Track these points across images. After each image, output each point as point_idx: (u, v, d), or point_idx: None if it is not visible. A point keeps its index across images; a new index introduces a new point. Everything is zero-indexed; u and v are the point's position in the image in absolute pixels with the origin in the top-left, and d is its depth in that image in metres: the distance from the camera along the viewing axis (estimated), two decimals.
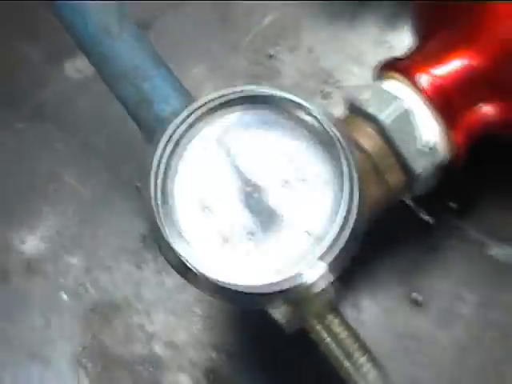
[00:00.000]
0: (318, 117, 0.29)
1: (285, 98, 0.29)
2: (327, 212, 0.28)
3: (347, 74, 0.48)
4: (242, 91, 0.29)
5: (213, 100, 0.29)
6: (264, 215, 0.29)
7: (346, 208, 0.28)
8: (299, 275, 0.27)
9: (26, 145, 0.47)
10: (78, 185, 0.45)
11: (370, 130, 0.36)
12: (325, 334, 0.36)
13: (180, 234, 0.28)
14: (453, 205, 0.43)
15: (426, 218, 0.39)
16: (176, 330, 0.41)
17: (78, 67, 0.49)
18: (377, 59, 0.39)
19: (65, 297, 0.43)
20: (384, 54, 0.39)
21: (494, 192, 0.43)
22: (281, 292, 0.27)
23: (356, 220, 0.27)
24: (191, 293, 0.42)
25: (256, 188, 0.29)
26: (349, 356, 0.36)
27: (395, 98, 0.37)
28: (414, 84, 0.37)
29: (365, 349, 0.36)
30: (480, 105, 0.38)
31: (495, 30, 0.37)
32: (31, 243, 0.44)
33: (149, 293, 0.42)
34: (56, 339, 0.42)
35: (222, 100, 0.29)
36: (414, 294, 0.41)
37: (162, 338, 0.41)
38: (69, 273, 0.43)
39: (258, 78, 0.48)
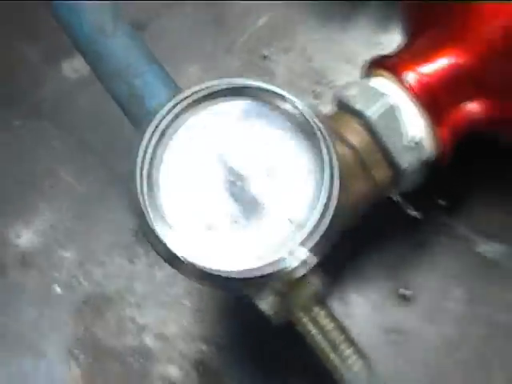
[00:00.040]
0: (301, 108, 0.30)
1: (268, 90, 0.30)
2: (309, 200, 0.29)
3: (340, 75, 0.48)
4: (227, 83, 0.30)
5: (199, 91, 0.30)
6: (247, 203, 0.30)
7: (326, 196, 0.28)
8: (280, 260, 0.28)
9: (24, 142, 0.48)
10: (73, 181, 0.46)
11: (357, 125, 0.37)
12: (311, 326, 0.37)
13: (164, 220, 0.29)
14: (442, 202, 0.43)
15: (414, 213, 0.39)
16: (166, 323, 0.42)
17: (75, 67, 0.49)
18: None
19: (58, 289, 0.43)
20: None
21: (482, 189, 0.43)
22: (262, 277, 0.28)
23: (336, 207, 0.28)
24: (182, 286, 0.43)
25: (239, 177, 0.30)
26: (335, 348, 0.36)
27: (382, 94, 0.37)
28: (401, 81, 0.37)
29: (351, 341, 0.37)
30: (466, 102, 0.38)
31: (481, 29, 0.37)
32: (26, 237, 0.45)
33: (140, 286, 0.43)
34: (49, 331, 0.42)
35: (208, 91, 0.30)
36: (402, 289, 0.42)
37: (152, 330, 0.42)
38: (62, 266, 0.44)
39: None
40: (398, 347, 0.41)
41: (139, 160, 0.29)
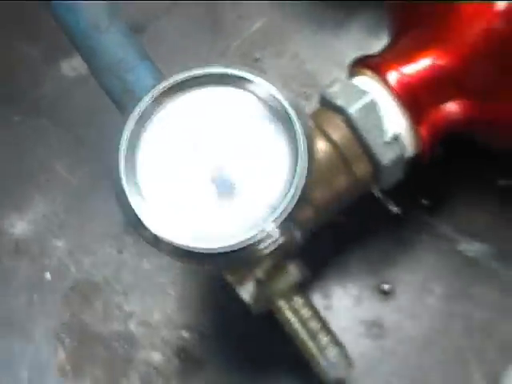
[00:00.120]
0: (277, 95, 0.31)
1: (245, 78, 0.32)
2: (282, 183, 0.31)
3: (330, 78, 0.50)
4: (206, 71, 0.32)
5: (180, 79, 0.32)
6: (222, 184, 0.31)
7: (298, 179, 0.30)
8: (252, 238, 0.29)
9: (23, 138, 0.50)
10: (68, 175, 0.48)
11: (339, 122, 0.38)
12: (290, 315, 0.38)
13: (141, 198, 0.30)
14: (424, 201, 0.44)
15: (395, 209, 0.40)
16: (151, 310, 0.43)
17: (73, 66, 0.51)
18: None
19: (48, 276, 0.45)
20: None
21: (463, 189, 0.44)
22: (234, 252, 0.29)
23: (303, 188, 0.30)
24: (167, 276, 0.44)
25: (216, 159, 0.32)
26: (313, 336, 0.37)
27: (364, 92, 0.38)
28: (383, 80, 0.38)
29: (328, 330, 0.38)
30: (447, 103, 0.39)
31: (463, 31, 0.38)
32: (21, 227, 0.47)
33: (128, 275, 0.44)
34: (37, 315, 0.44)
35: (188, 78, 0.32)
36: (383, 284, 0.43)
37: (138, 318, 0.43)
38: (54, 255, 0.45)
39: None
40: (377, 341, 0.42)
41: (121, 142, 0.31)
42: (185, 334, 0.42)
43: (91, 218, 0.46)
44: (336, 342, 0.38)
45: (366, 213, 0.41)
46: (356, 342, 0.41)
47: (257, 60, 0.50)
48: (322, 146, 0.38)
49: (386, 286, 0.43)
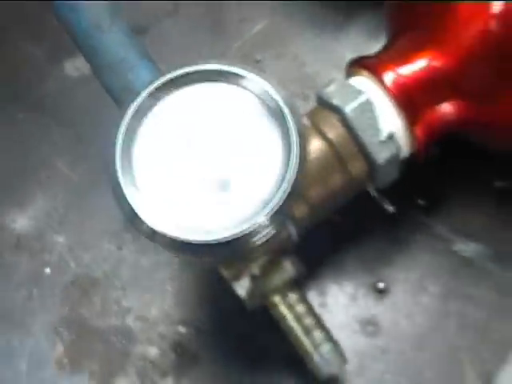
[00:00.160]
0: (270, 91, 0.32)
1: (238, 74, 0.32)
2: (274, 178, 0.31)
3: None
4: (201, 67, 0.32)
5: (175, 75, 0.32)
6: (216, 180, 0.32)
7: (291, 174, 0.30)
8: (244, 231, 0.30)
9: (27, 135, 0.51)
10: (69, 172, 0.49)
11: (335, 121, 0.38)
12: (285, 310, 0.38)
13: (137, 191, 0.31)
14: (421, 202, 0.45)
15: (390, 208, 0.41)
16: (149, 306, 0.44)
17: (77, 66, 0.52)
18: None
19: (48, 271, 0.45)
20: None
21: (458, 190, 0.44)
22: (227, 243, 0.30)
23: (295, 183, 0.30)
24: (165, 272, 0.44)
25: (210, 154, 0.32)
26: (307, 332, 0.38)
27: (360, 91, 0.39)
28: (379, 81, 0.39)
29: (322, 326, 0.38)
30: (442, 104, 0.39)
31: (459, 33, 0.38)
32: (22, 223, 0.47)
33: (126, 271, 0.45)
34: (37, 310, 0.44)
35: (184, 74, 0.32)
36: (378, 283, 0.43)
37: (135, 313, 0.44)
38: (54, 250, 0.46)
39: None
40: (372, 339, 0.42)
41: (119, 134, 0.31)
42: (181, 329, 0.43)
43: (91, 214, 0.47)
44: (330, 339, 0.38)
45: (362, 212, 0.42)
46: (351, 340, 0.42)
47: (257, 62, 0.51)
48: (317, 144, 0.38)
49: (381, 285, 0.43)
